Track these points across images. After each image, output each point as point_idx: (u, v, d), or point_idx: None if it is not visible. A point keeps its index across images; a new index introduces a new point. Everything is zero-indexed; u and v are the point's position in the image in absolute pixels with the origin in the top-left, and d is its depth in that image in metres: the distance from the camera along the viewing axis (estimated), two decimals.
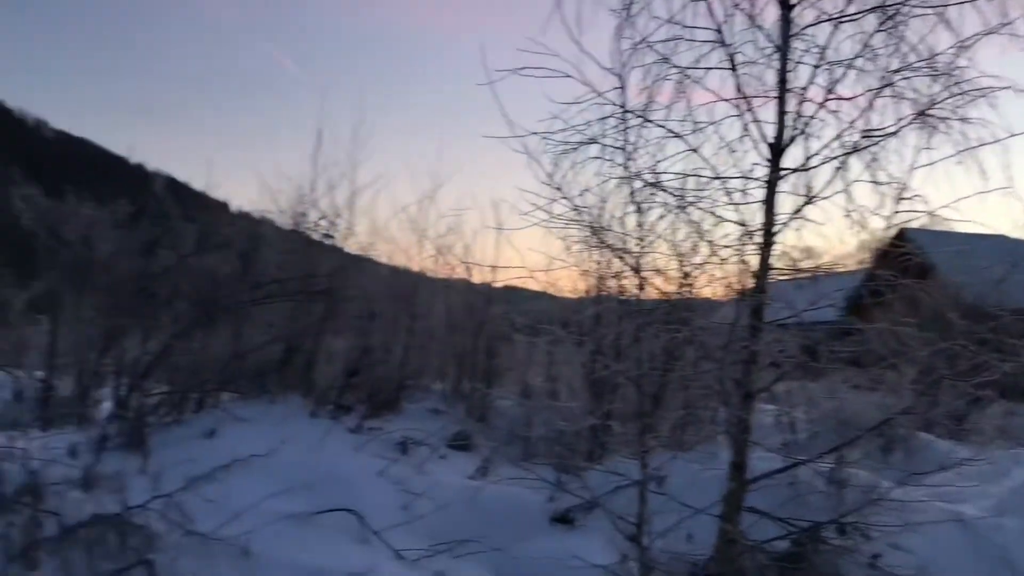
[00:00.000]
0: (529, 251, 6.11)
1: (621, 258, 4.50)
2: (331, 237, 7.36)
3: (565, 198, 4.35)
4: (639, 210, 4.33)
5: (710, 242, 4.27)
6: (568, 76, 4.15)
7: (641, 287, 4.43)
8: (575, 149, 4.32)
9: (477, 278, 7.85)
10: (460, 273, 7.96)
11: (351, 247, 7.60)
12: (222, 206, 8.32)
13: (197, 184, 8.24)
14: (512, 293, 8.09)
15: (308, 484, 4.67)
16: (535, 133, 4.28)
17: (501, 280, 7.67)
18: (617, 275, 4.84)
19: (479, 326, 7.68)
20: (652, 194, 4.32)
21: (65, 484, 4.31)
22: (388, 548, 4.38)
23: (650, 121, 4.26)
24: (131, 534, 3.95)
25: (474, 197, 7.74)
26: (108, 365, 6.76)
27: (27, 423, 6.01)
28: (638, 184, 4.30)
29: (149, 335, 6.77)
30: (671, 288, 4.45)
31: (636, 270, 4.40)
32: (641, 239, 4.37)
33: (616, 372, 5.10)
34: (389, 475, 5.14)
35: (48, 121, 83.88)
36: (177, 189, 8.63)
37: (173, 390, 6.39)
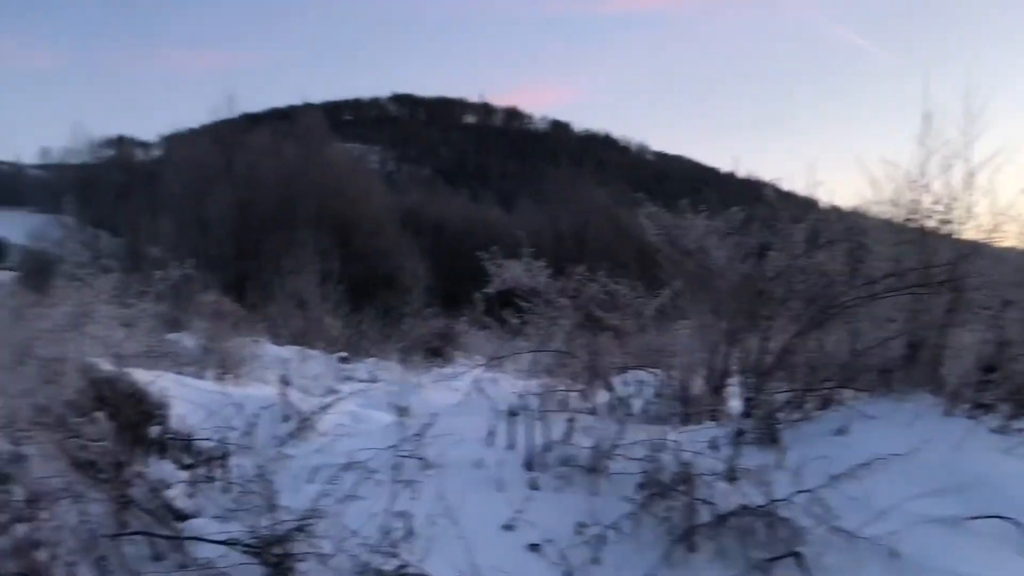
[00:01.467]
0: None
1: None
2: (948, 223, 6.84)
3: None
4: None
5: None
6: None
7: None
8: None
9: None
10: None
11: (972, 232, 6.94)
12: (825, 204, 8.30)
13: (798, 185, 8.32)
14: None
15: (954, 487, 4.39)
16: None
17: None
18: None
19: None
20: None
21: (711, 475, 4.70)
22: None
23: None
24: (778, 526, 4.16)
25: None
26: (732, 365, 7.24)
27: (668, 419, 6.69)
28: None
29: (767, 335, 7.07)
30: None
31: None
32: None
33: None
34: None
35: (648, 144, 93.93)
36: (779, 192, 8.85)
37: (795, 388, 6.56)
